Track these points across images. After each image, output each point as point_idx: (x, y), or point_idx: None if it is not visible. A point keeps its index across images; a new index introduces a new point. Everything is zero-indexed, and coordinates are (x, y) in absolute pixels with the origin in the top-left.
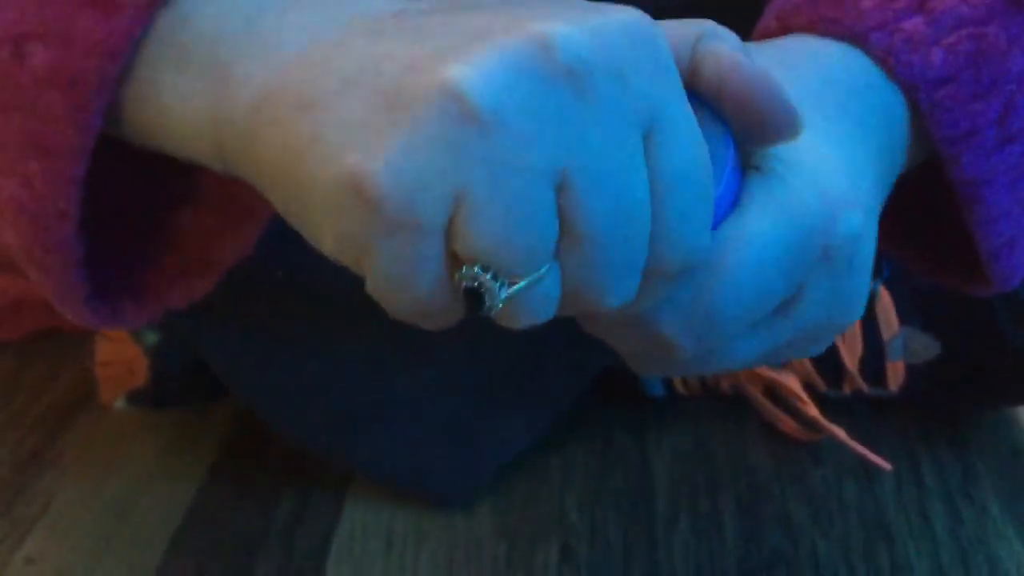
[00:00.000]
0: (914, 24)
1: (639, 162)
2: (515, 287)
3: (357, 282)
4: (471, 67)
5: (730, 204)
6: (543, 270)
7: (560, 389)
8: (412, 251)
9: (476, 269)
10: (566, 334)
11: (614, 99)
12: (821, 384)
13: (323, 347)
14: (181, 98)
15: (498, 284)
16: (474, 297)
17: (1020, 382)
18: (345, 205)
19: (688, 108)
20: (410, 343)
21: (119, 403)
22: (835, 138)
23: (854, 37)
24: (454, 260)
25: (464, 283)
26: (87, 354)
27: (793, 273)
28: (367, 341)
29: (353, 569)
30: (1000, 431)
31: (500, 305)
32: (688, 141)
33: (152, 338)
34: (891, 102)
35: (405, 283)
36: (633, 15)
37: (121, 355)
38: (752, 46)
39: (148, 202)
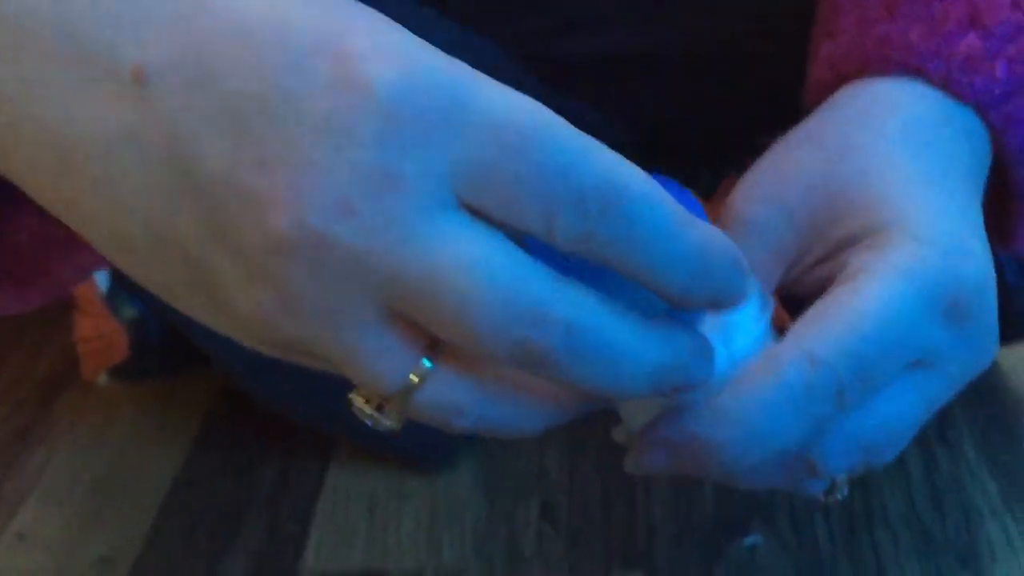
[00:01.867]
0: (969, 43)
1: (447, 231)
2: (391, 405)
3: None
4: (256, 282)
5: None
6: (406, 383)
7: None
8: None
9: (352, 394)
10: None
11: (390, 214)
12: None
13: None
14: None
15: (371, 407)
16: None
17: (1018, 331)
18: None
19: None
20: None
21: (101, 378)
22: (936, 182)
23: (910, 71)
24: None
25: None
26: (70, 330)
27: (924, 329)
28: None
29: (337, 531)
30: (978, 377)
31: (388, 423)
32: (490, 124)
33: (130, 312)
34: (969, 124)
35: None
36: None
37: (100, 330)
38: (817, 115)
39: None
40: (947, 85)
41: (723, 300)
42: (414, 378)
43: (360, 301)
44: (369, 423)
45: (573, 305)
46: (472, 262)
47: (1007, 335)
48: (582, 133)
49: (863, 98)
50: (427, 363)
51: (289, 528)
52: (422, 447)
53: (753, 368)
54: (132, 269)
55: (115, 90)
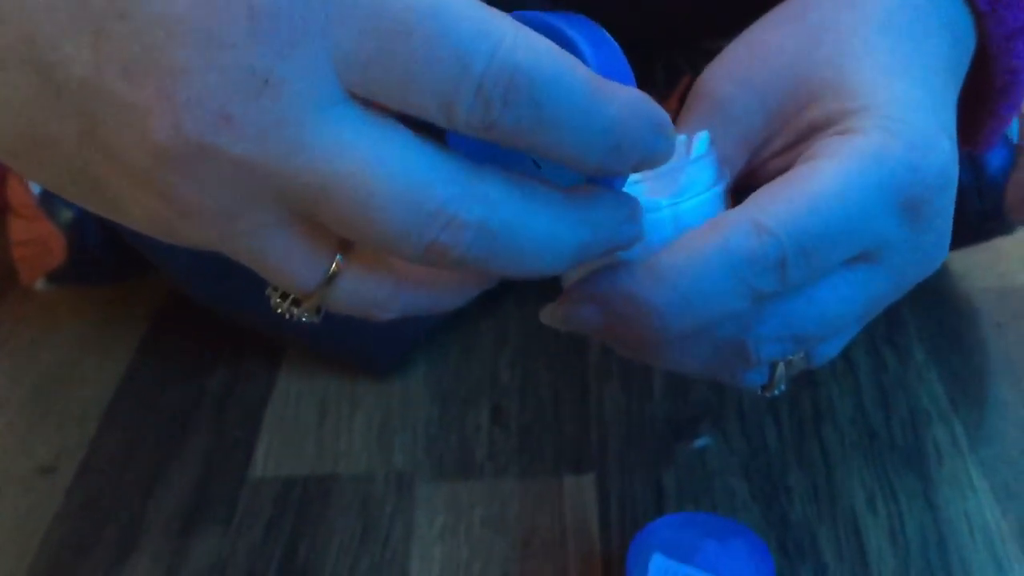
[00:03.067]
0: None
1: (337, 126)
2: (308, 303)
3: None
4: (151, 191)
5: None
6: (321, 280)
7: None
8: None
9: (269, 291)
10: None
11: (273, 114)
12: None
13: None
14: None
15: (288, 302)
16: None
17: (970, 235)
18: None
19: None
20: None
21: (40, 283)
22: (913, 71)
23: None
24: None
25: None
26: (2, 234)
27: (878, 219)
28: None
29: (287, 436)
30: (928, 280)
31: (307, 315)
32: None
33: (67, 214)
34: (954, 12)
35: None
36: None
37: (36, 233)
38: None
39: None
40: None
41: (645, 166)
42: (327, 277)
43: (256, 208)
44: (287, 317)
45: (483, 201)
46: (368, 166)
47: (959, 239)
48: (480, 6)
49: None
50: (340, 259)
51: (237, 433)
52: (373, 351)
53: (697, 232)
54: (22, 170)
55: None
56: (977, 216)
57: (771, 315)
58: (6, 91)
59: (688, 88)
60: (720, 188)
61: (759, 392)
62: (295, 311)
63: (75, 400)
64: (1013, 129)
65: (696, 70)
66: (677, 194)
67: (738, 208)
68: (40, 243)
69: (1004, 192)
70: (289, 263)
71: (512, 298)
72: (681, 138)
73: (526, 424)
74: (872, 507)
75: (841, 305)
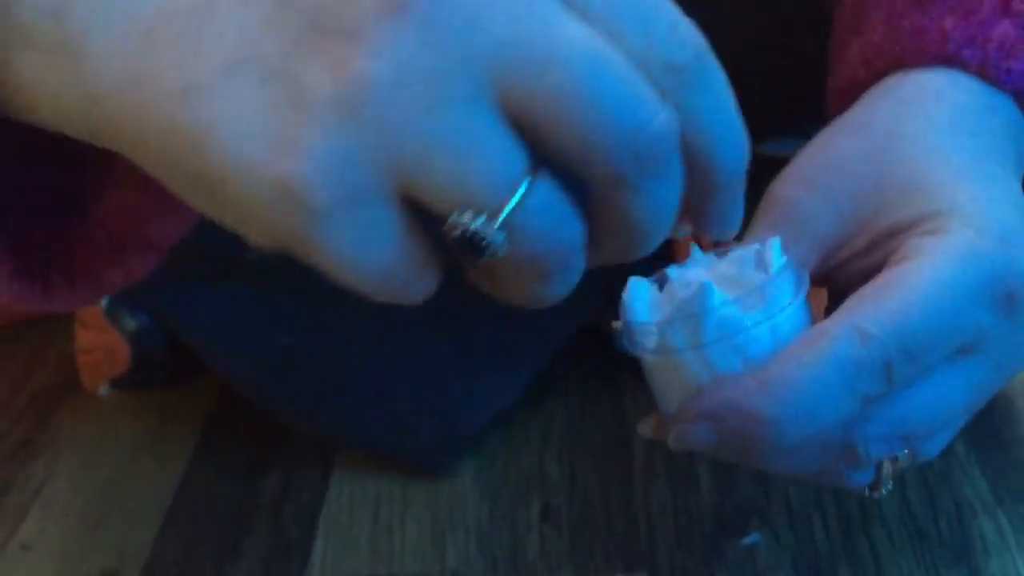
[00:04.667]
0: (1003, 30)
1: (560, 8)
2: (503, 212)
3: None
4: (363, 49)
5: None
6: (524, 185)
7: (536, 349)
8: (362, 231)
9: (455, 217)
10: None
11: None
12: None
13: (300, 320)
14: (38, 80)
15: (482, 219)
16: (469, 244)
17: None
18: (273, 206)
19: None
20: (387, 310)
21: (103, 389)
22: (986, 169)
23: (947, 60)
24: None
25: (452, 234)
26: (67, 340)
27: (976, 314)
28: (344, 312)
29: (342, 538)
30: None
31: (500, 239)
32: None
33: (131, 324)
34: (1009, 111)
35: (364, 262)
36: None
37: (102, 342)
38: (861, 106)
39: (75, 181)
40: (983, 72)
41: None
42: (528, 174)
43: (473, 71)
44: (481, 236)
45: (670, 112)
46: (594, 39)
47: None
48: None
49: (906, 88)
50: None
51: (294, 534)
52: (424, 452)
53: (800, 342)
54: (191, 113)
55: None
56: None
57: (879, 416)
58: (227, 25)
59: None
60: (804, 295)
61: (866, 492)
62: (483, 230)
63: (135, 504)
64: None
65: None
66: (767, 308)
67: (837, 315)
68: (105, 351)
69: None
70: (495, 147)
71: (556, 395)
72: (753, 247)
73: (576, 522)
74: None
75: (946, 400)
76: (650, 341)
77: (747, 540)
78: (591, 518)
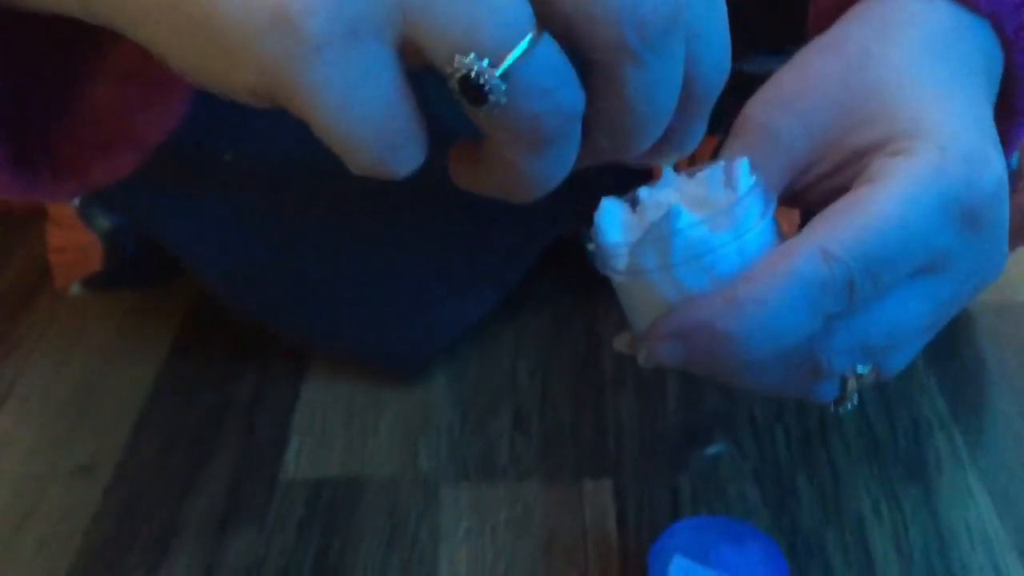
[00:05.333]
0: None
1: None
2: (508, 59)
3: (307, 161)
4: None
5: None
6: (529, 37)
7: (511, 262)
8: (354, 72)
9: (459, 59)
10: (514, 209)
11: None
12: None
13: (275, 226)
14: None
15: (485, 62)
16: (471, 88)
17: None
18: (267, 35)
19: None
20: (361, 220)
21: (74, 288)
22: (955, 92)
23: None
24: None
25: (455, 76)
26: (38, 239)
27: (939, 233)
28: (318, 219)
29: (315, 439)
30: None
31: (502, 86)
32: None
33: (105, 223)
34: (982, 38)
35: (354, 111)
36: None
37: (74, 241)
38: (836, 29)
39: (63, 75)
40: None
41: None
42: (532, 27)
43: None
44: (483, 81)
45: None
46: None
47: None
48: None
49: (883, 10)
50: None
51: (267, 435)
52: (397, 357)
53: (766, 261)
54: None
55: None
56: None
57: (841, 330)
58: None
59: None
60: (771, 214)
61: (832, 408)
62: (487, 74)
63: (109, 403)
64: (1013, 157)
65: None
66: (736, 227)
67: (803, 235)
68: (78, 250)
69: None
70: (504, 6)
71: (530, 308)
72: (721, 166)
73: (546, 430)
74: (877, 514)
75: (908, 316)
76: (621, 262)
77: (711, 450)
78: (561, 427)
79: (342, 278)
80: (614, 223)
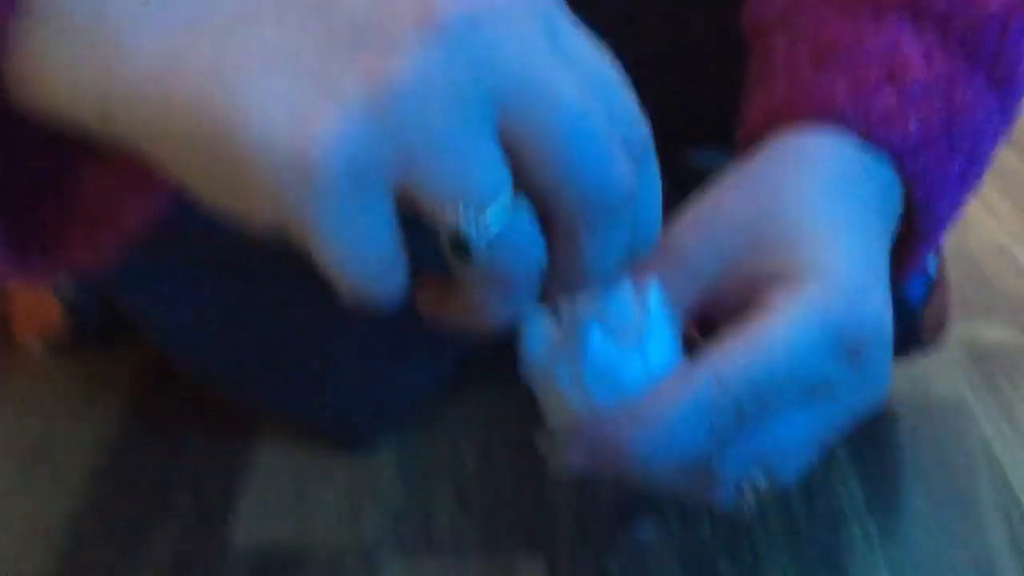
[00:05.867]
0: (886, 99)
1: (563, 67)
2: (488, 211)
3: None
4: (397, 58)
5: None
6: (508, 197)
7: (460, 338)
8: (359, 216)
9: (448, 210)
10: None
11: (522, 23)
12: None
13: (234, 290)
14: (67, 69)
15: (471, 211)
16: (458, 242)
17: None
18: (284, 177)
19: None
20: (317, 285)
21: (35, 347)
22: (849, 232)
23: (836, 122)
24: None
25: (446, 228)
26: (1, 296)
27: (823, 364)
28: (278, 287)
29: (262, 506)
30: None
31: (483, 243)
32: (582, 35)
33: (66, 286)
34: (884, 175)
35: (353, 249)
36: None
37: (36, 302)
38: (755, 161)
39: (54, 158)
40: (867, 136)
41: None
42: (508, 194)
43: (485, 96)
44: (466, 231)
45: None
46: (582, 93)
47: None
48: None
49: (793, 150)
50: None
51: (216, 500)
52: (346, 427)
53: (668, 383)
54: (222, 89)
55: None
56: (898, 339)
57: (733, 444)
58: (270, 25)
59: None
60: (676, 336)
61: (731, 511)
62: (472, 226)
63: (63, 461)
64: (930, 263)
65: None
66: (643, 347)
67: (702, 360)
68: (40, 311)
69: (922, 319)
70: (491, 159)
71: (474, 382)
72: (634, 284)
73: (486, 504)
74: None
75: (794, 434)
76: (538, 371)
77: (639, 533)
78: (501, 502)
79: (298, 348)
80: (536, 332)
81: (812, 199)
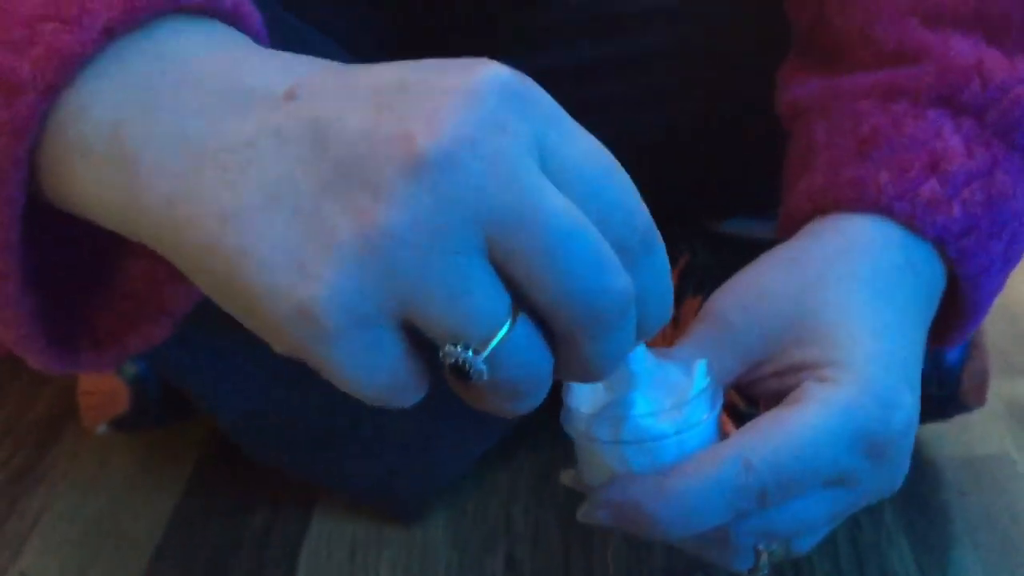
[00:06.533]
0: (931, 187)
1: (546, 184)
2: (486, 349)
3: None
4: (385, 203)
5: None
6: (506, 326)
7: None
8: (365, 352)
9: (448, 347)
10: None
11: (503, 151)
12: (741, 402)
13: (289, 375)
14: (91, 184)
15: (470, 352)
16: (458, 371)
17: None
18: (291, 325)
19: (565, 118)
20: None
21: (101, 428)
22: (890, 332)
23: (880, 210)
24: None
25: (446, 361)
26: (68, 374)
27: (846, 460)
28: None
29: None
30: None
31: (484, 368)
32: (576, 138)
33: (131, 369)
34: (928, 261)
35: (365, 378)
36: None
37: (102, 385)
38: (800, 243)
39: (100, 252)
40: (911, 223)
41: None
42: (510, 315)
43: (472, 229)
44: (468, 366)
45: (628, 278)
46: (571, 212)
47: (923, 418)
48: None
49: (840, 236)
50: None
51: (276, 571)
52: (400, 501)
53: (697, 458)
54: (230, 237)
55: (267, 107)
56: (937, 400)
57: (751, 518)
58: (268, 165)
59: (686, 266)
60: (715, 414)
61: (746, 574)
62: (470, 361)
63: (127, 537)
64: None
65: (692, 249)
66: (681, 423)
67: (731, 441)
68: (105, 393)
69: (960, 381)
70: (485, 292)
71: (525, 448)
72: (682, 362)
73: (537, 570)
74: None
75: (811, 515)
76: (580, 426)
77: None
78: (552, 567)
79: (351, 425)
80: (583, 389)
81: (854, 294)
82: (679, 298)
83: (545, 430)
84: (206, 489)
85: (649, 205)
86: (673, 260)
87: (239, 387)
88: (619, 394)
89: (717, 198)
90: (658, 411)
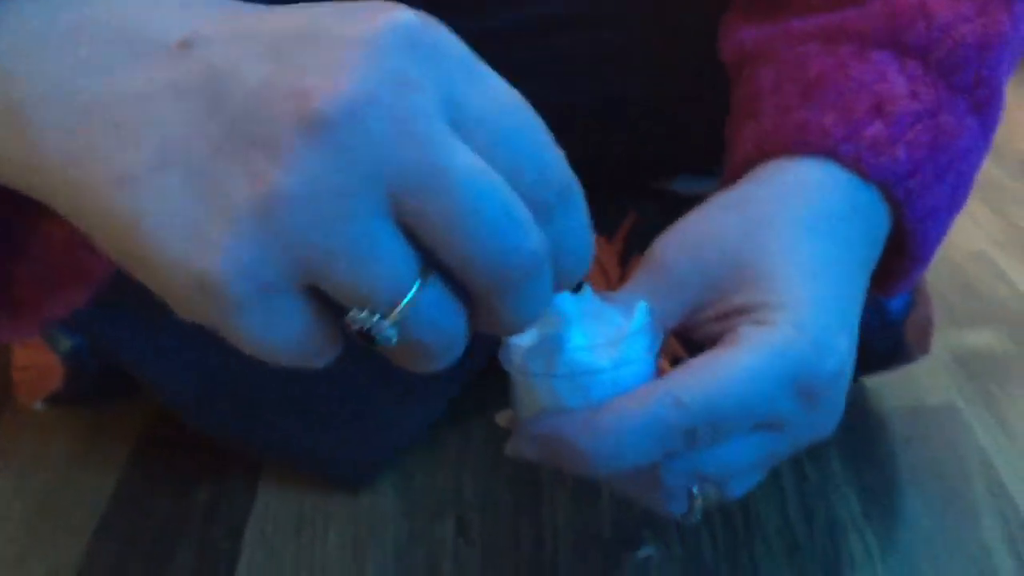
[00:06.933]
0: (876, 129)
1: (454, 141)
2: (393, 314)
3: None
4: (282, 164)
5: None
6: (413, 290)
7: (456, 371)
8: (271, 319)
9: (354, 312)
10: None
11: (406, 108)
12: (683, 353)
13: (227, 346)
14: None
15: (377, 317)
16: (365, 336)
17: (891, 355)
18: (192, 296)
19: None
20: None
21: (37, 405)
22: (828, 275)
23: (825, 153)
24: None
25: (352, 328)
26: (2, 356)
27: (778, 402)
28: None
29: (267, 550)
30: (846, 398)
31: (392, 333)
32: (487, 87)
33: (65, 344)
34: (872, 204)
35: (273, 345)
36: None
37: (36, 360)
38: (745, 187)
39: (15, 214)
40: (856, 166)
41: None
42: (421, 277)
43: (374, 190)
44: (375, 332)
45: (540, 235)
46: (480, 171)
47: (868, 368)
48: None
49: (785, 180)
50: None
51: (221, 547)
52: (345, 469)
53: (629, 397)
54: (125, 201)
55: (161, 56)
56: (881, 350)
57: (681, 458)
58: (164, 122)
59: (633, 225)
60: (653, 353)
61: (679, 519)
62: (380, 326)
63: (68, 516)
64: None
65: (640, 209)
66: (617, 359)
67: (663, 379)
68: (40, 369)
69: (904, 330)
70: (390, 256)
71: (473, 415)
72: (621, 304)
73: (487, 534)
74: None
75: (741, 458)
76: (515, 360)
77: (642, 552)
78: (502, 532)
79: (292, 395)
80: None
81: (796, 236)
82: (626, 257)
83: (496, 396)
84: (148, 465)
85: (594, 165)
86: (621, 220)
87: (176, 358)
88: (553, 332)
89: (664, 156)
90: (594, 346)
